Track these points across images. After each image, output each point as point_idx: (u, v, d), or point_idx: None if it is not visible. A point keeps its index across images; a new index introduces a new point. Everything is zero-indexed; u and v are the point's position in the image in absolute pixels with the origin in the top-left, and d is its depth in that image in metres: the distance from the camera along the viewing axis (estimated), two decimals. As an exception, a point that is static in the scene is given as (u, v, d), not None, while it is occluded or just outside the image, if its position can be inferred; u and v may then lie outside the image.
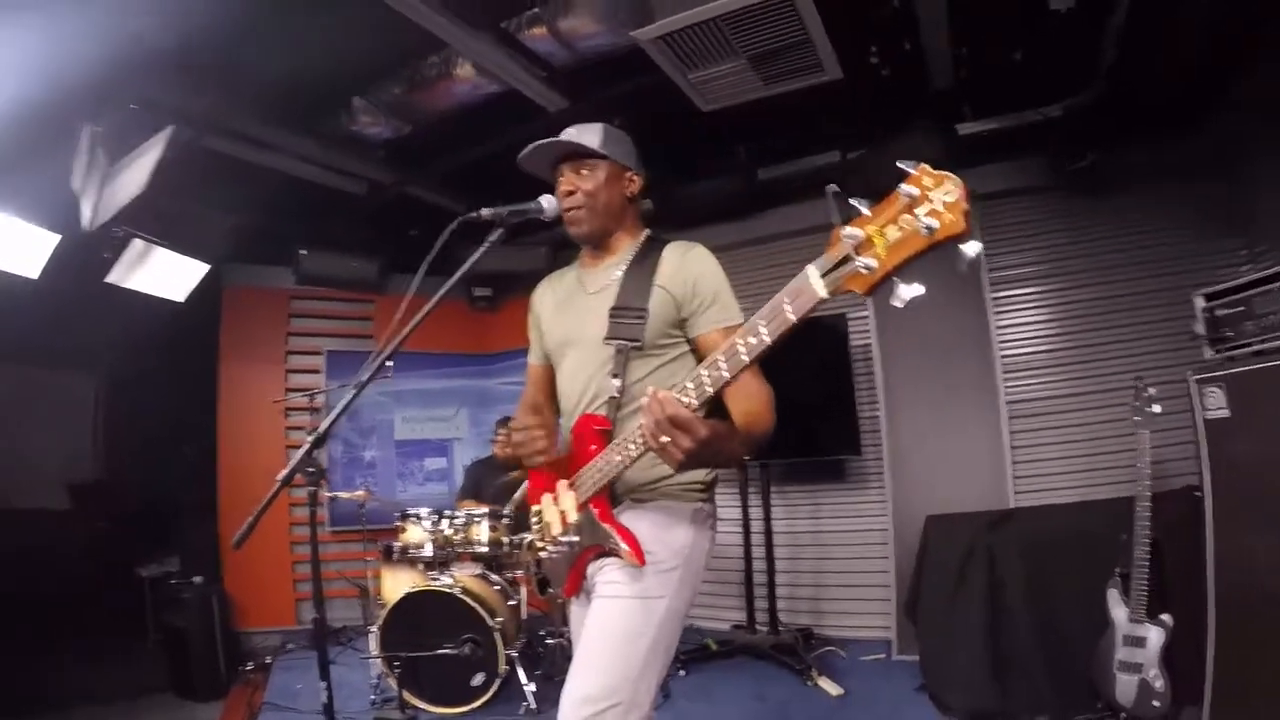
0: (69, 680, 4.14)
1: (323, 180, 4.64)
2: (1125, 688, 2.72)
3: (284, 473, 2.14)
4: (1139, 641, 2.71)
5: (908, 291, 1.11)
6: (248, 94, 3.79)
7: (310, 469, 2.16)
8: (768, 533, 4.52)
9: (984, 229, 4.23)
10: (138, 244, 4.08)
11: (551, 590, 2.00)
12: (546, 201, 1.94)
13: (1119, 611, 2.79)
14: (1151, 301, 3.94)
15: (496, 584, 4.01)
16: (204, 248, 4.50)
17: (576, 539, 1.81)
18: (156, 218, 4.02)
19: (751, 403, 1.67)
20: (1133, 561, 2.74)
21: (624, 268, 1.89)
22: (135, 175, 3.22)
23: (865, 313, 4.63)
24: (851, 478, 4.74)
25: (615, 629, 1.69)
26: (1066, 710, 2.99)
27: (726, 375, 1.33)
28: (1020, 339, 4.27)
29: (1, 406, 4.82)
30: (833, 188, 1.29)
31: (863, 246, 1.12)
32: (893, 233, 1.09)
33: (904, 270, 1.10)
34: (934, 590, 3.53)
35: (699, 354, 1.80)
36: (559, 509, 1.84)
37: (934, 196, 1.06)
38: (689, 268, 1.82)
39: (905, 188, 1.08)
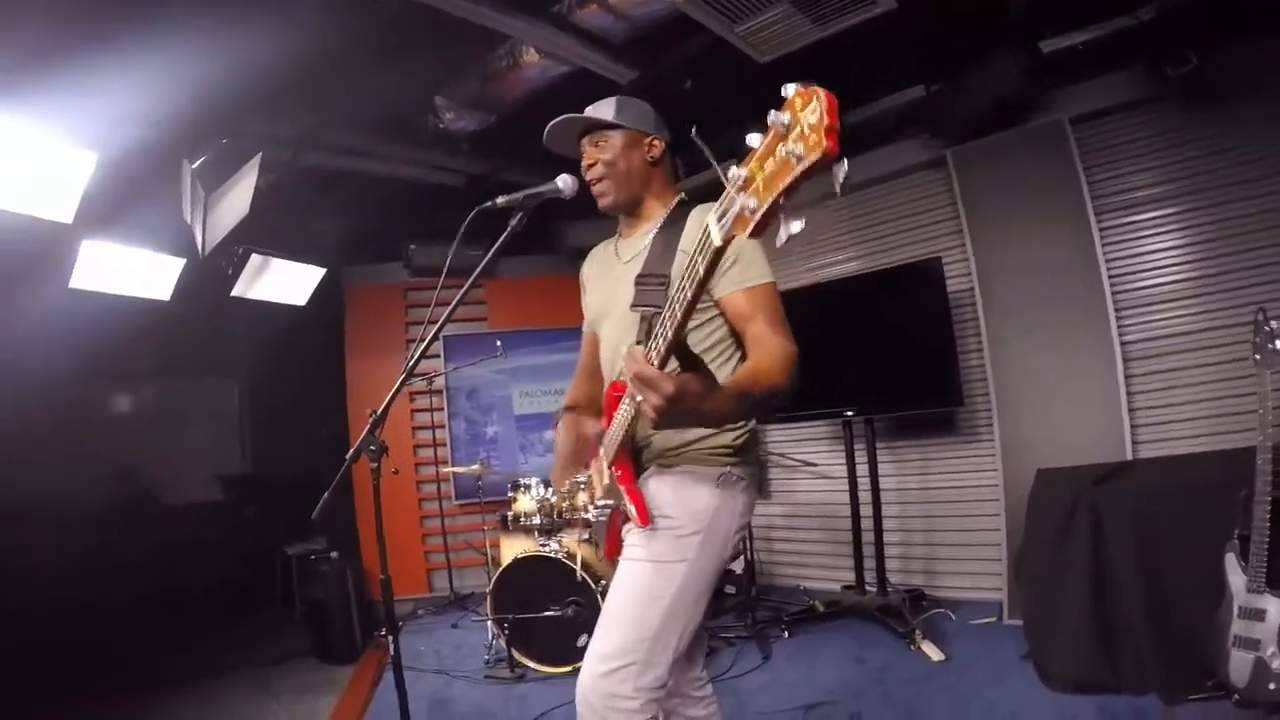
0: (229, 650, 4.71)
1: (422, 177, 4.95)
2: (1239, 666, 2.40)
3: (351, 452, 2.37)
4: (1257, 614, 2.37)
5: (787, 229, 0.98)
6: (335, 111, 4.09)
7: (373, 447, 2.38)
8: (875, 490, 4.37)
9: (1084, 153, 3.89)
10: (255, 258, 4.51)
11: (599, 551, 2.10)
12: (563, 181, 2.00)
13: (1236, 579, 2.46)
14: (1281, 221, 3.39)
15: (606, 548, 4.17)
16: (318, 253, 4.92)
17: (610, 502, 1.89)
18: (271, 231, 4.44)
19: (760, 360, 1.62)
20: (1253, 523, 2.40)
21: (653, 234, 1.90)
22: (236, 201, 3.57)
23: (964, 255, 4.33)
24: (962, 430, 4.49)
25: (633, 591, 1.75)
26: (1177, 689, 2.68)
27: (670, 335, 1.28)
28: (1133, 272, 3.82)
29: (152, 415, 5.57)
30: (694, 132, 1.20)
31: (745, 184, 1.02)
32: (769, 165, 0.97)
33: (785, 205, 0.97)
34: (1038, 551, 3.27)
35: (726, 317, 1.79)
36: (598, 475, 1.92)
37: (803, 118, 0.92)
38: None
39: (776, 115, 0.95)
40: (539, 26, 3.51)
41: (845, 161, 0.91)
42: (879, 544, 4.35)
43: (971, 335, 4.36)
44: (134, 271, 4.09)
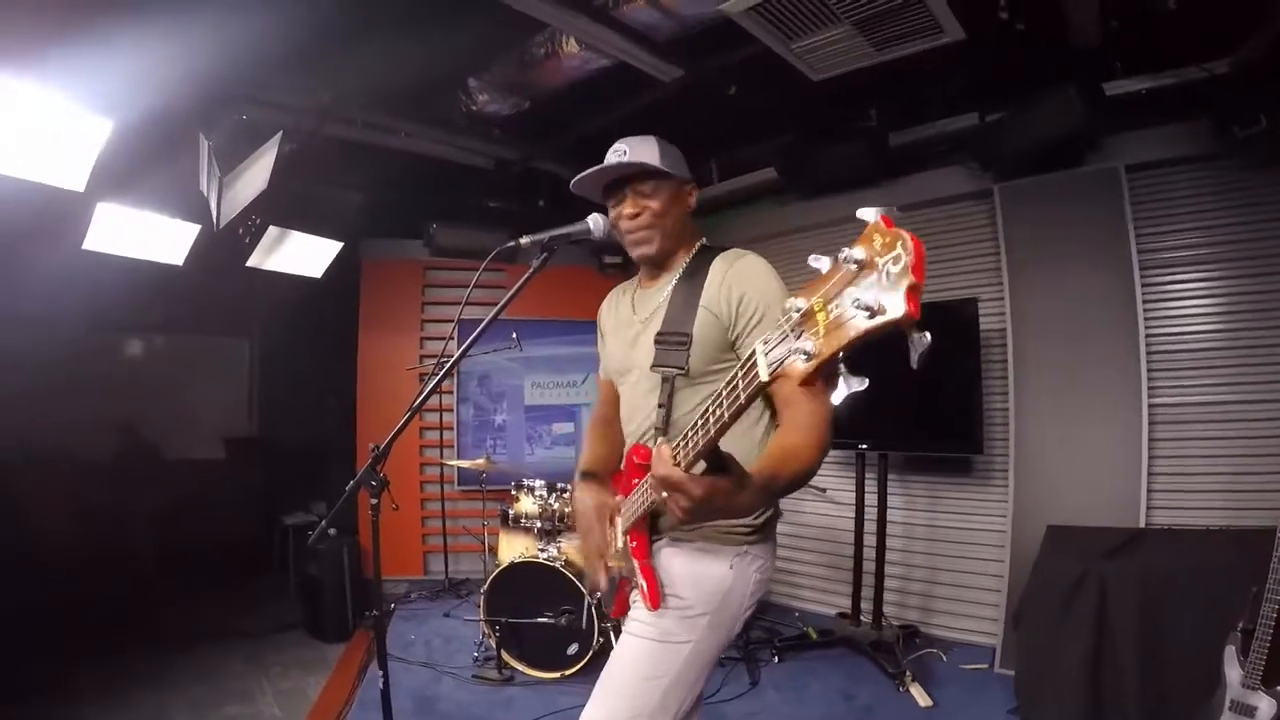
0: (225, 615, 4.75)
1: (449, 156, 4.83)
2: (1223, 758, 2.37)
3: (350, 484, 2.31)
4: (1247, 710, 2.32)
5: (847, 385, 0.87)
6: (364, 85, 3.96)
7: (374, 482, 2.31)
8: (881, 522, 4.32)
9: (1136, 203, 3.73)
10: (273, 230, 4.42)
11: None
12: (594, 222, 1.90)
13: (1233, 672, 2.40)
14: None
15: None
16: (337, 227, 4.82)
17: (621, 565, 1.83)
18: (290, 202, 4.34)
19: (791, 435, 1.53)
20: (1259, 619, 2.33)
21: (671, 287, 1.81)
22: (255, 176, 3.48)
23: (999, 294, 4.19)
24: (976, 472, 4.39)
25: (635, 667, 1.71)
26: (1162, 773, 2.63)
27: (701, 447, 1.21)
28: (1172, 333, 3.66)
29: (160, 372, 5.54)
30: None
31: (803, 321, 0.89)
32: (834, 310, 0.84)
33: (848, 357, 0.85)
34: (1040, 610, 3.21)
35: None
36: (612, 535, 1.85)
37: (881, 265, 0.79)
38: (733, 283, 1.69)
39: (849, 251, 0.82)
40: (579, 18, 3.38)
41: (928, 334, 0.80)
42: (879, 576, 4.29)
43: (997, 378, 4.23)
44: (148, 235, 4.01)
